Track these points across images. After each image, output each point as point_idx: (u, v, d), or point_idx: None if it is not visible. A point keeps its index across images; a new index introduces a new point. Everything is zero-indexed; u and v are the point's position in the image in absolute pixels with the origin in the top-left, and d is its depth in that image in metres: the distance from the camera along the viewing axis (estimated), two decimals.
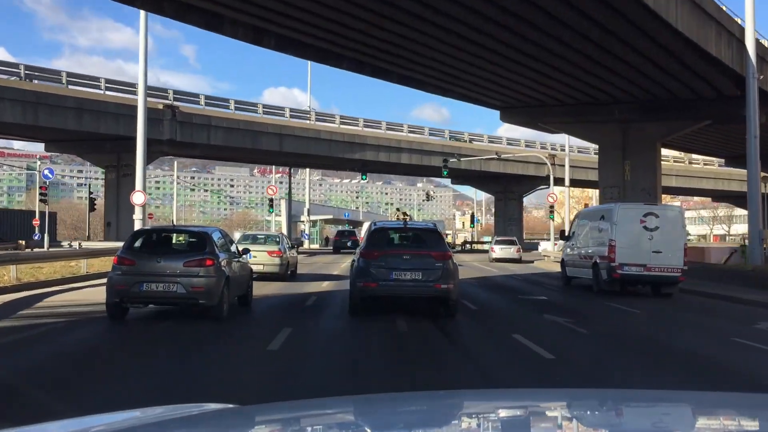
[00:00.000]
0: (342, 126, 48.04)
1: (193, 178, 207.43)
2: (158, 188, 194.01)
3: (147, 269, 11.15)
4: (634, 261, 17.73)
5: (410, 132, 51.45)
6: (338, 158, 47.78)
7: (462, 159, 47.29)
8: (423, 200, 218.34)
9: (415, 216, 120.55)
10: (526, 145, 57.17)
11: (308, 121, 46.58)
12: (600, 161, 33.66)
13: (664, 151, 43.02)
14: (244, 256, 13.88)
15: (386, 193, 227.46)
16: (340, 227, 67.89)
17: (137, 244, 11.97)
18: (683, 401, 2.63)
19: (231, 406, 2.47)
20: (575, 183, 60.23)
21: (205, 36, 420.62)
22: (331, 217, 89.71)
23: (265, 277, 19.83)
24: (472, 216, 64.92)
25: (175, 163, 64.85)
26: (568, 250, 22.06)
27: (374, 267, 12.37)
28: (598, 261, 18.62)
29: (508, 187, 60.31)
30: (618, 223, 18.09)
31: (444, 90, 31.45)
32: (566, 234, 23.39)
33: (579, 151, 59.86)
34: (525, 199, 65.18)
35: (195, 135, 40.74)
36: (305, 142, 45.70)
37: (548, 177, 58.69)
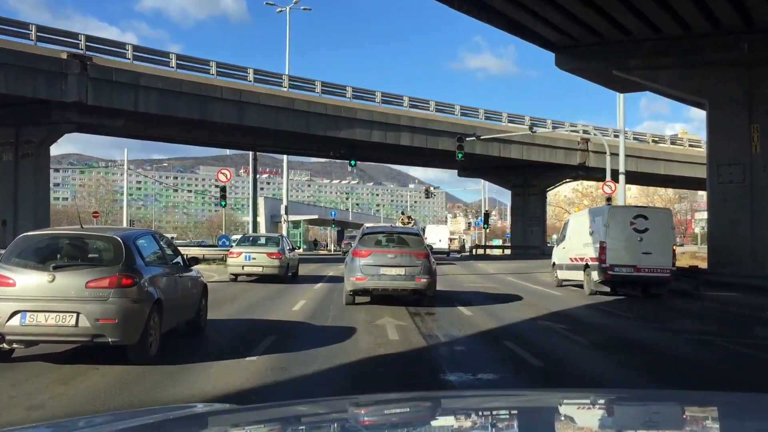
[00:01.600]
0: (324, 96, 35.94)
1: (176, 178, 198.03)
2: (139, 188, 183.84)
3: (32, 292, 7.62)
4: (624, 262, 17.56)
5: (412, 106, 39.34)
6: (319, 137, 35.63)
7: (482, 138, 35.21)
8: (415, 202, 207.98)
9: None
10: (554, 127, 45.24)
11: (280, 88, 34.45)
12: (711, 126, 21.63)
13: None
14: (192, 268, 10.16)
15: (377, 194, 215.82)
16: (353, 232, 56.13)
17: (21, 255, 8.08)
18: (674, 401, 2.58)
19: (224, 406, 2.53)
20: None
21: (191, 35, 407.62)
22: (316, 217, 77.50)
23: (266, 278, 20.07)
24: (486, 215, 52.12)
25: (126, 151, 52.46)
26: (560, 253, 21.37)
27: (364, 264, 13.58)
28: (589, 263, 18.41)
29: (529, 180, 48.34)
30: (609, 225, 17.86)
31: (478, 7, 19.43)
32: (557, 237, 22.73)
33: (615, 135, 48.04)
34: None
35: (116, 98, 28.51)
36: (274, 114, 33.54)
37: (580, 166, 46.82)
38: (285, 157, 48.53)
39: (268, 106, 33.08)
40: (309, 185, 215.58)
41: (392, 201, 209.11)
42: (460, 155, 33.48)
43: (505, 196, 67.08)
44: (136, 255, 8.21)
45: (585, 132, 46.56)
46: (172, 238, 79.45)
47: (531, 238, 48.73)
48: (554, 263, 21.87)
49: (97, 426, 2.14)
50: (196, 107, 30.74)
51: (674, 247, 17.97)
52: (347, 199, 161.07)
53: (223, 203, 28.73)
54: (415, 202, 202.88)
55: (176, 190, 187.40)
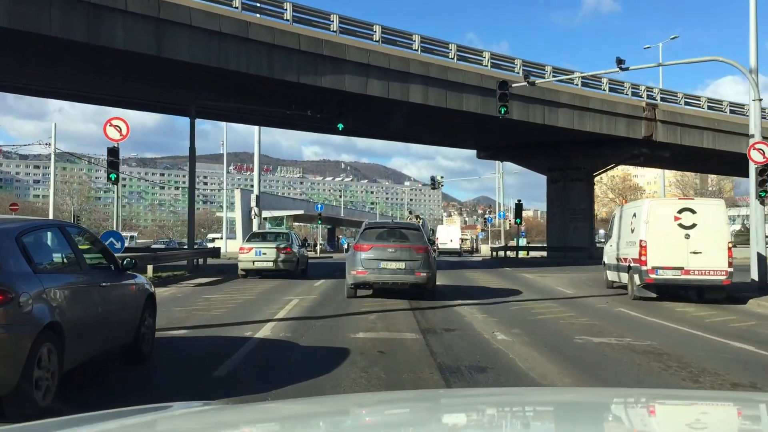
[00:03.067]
0: (298, 26, 23.46)
1: (163, 174, 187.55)
2: (124, 185, 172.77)
3: None
4: (668, 264, 15.00)
5: (425, 50, 26.78)
6: (289, 85, 23.11)
7: (538, 83, 22.73)
8: (411, 200, 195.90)
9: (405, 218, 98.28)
10: (611, 89, 32.74)
11: (227, 7, 21.93)
12: None
13: None
14: (130, 272, 7.22)
15: (371, 192, 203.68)
16: (345, 230, 43.99)
17: None
18: (680, 399, 2.51)
19: (224, 402, 2.45)
20: (684, 155, 35.99)
21: None
22: (302, 212, 64.90)
23: (279, 274, 20.06)
24: (518, 207, 38.97)
25: (54, 125, 39.81)
26: (609, 251, 18.83)
27: (365, 258, 13.64)
28: (631, 264, 15.88)
29: (573, 161, 35.93)
30: (649, 221, 15.32)
31: None
32: (605, 233, 20.93)
33: (686, 103, 35.71)
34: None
35: None
36: (216, 44, 21.00)
37: (645, 141, 34.14)
38: (257, 128, 35.96)
39: (206, 30, 20.56)
40: (301, 182, 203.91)
41: (387, 198, 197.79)
42: (503, 109, 21.09)
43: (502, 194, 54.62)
44: (16, 258, 5.41)
45: (650, 96, 34.21)
46: (131, 237, 66.91)
47: (574, 236, 36.37)
48: (604, 263, 19.87)
49: (88, 425, 1.99)
50: (79, 22, 18.15)
51: (729, 245, 15.10)
52: (341, 196, 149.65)
53: (113, 176, 16.23)
54: (411, 199, 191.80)
55: (162, 187, 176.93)
